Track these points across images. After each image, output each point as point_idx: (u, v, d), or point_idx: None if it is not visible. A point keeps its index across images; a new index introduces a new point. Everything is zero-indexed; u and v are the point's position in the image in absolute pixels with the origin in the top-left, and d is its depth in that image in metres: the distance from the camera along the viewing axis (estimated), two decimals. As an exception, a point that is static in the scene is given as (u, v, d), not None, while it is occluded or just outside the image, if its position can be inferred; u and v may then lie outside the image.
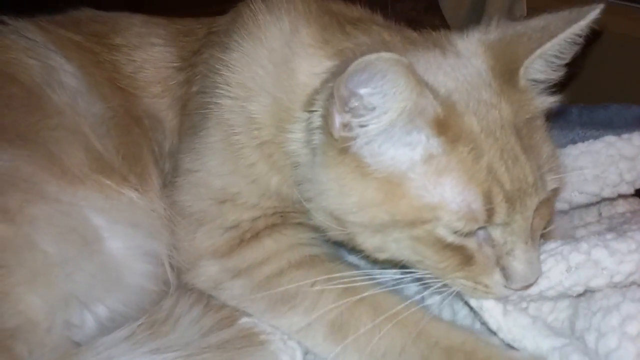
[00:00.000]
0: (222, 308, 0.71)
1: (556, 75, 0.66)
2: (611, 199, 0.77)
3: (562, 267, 0.61)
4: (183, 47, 0.82)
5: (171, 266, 0.72)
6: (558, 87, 0.67)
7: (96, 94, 0.75)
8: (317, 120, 0.62)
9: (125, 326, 0.63)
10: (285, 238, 0.72)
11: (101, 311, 0.66)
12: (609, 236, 0.63)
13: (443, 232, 0.58)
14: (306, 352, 0.70)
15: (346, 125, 0.57)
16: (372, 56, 0.51)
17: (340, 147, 0.58)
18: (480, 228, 0.59)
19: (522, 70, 0.63)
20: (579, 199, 0.75)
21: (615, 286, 0.62)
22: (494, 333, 0.63)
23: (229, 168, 0.71)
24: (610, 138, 0.75)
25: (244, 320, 0.70)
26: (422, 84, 0.54)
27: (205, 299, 0.71)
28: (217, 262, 0.72)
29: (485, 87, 0.61)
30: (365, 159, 0.58)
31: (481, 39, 0.65)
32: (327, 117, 0.59)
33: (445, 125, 0.57)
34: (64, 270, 0.62)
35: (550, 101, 0.67)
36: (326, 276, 0.67)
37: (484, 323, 0.64)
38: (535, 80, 0.65)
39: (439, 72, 0.61)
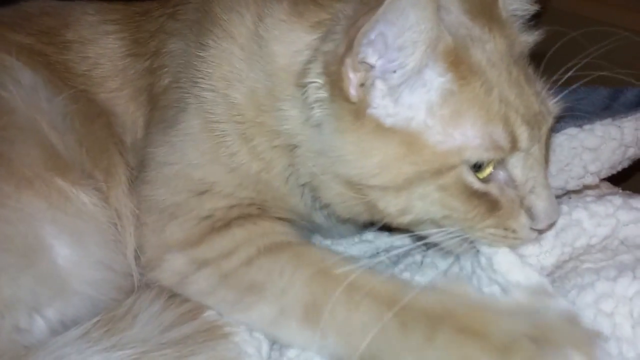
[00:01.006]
0: (185, 302, 0.68)
1: (531, 7, 0.67)
2: (577, 192, 0.77)
3: (552, 231, 0.62)
4: (138, 28, 0.79)
5: (129, 271, 0.70)
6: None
7: (55, 88, 0.72)
8: (314, 93, 0.60)
9: (80, 324, 0.61)
10: (257, 227, 0.69)
11: (51, 315, 0.63)
12: (588, 198, 0.65)
13: (469, 178, 0.57)
14: (273, 343, 0.69)
15: (364, 84, 0.56)
16: None
17: (356, 109, 0.57)
18: (500, 169, 0.58)
19: (500, 1, 0.63)
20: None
21: (590, 249, 0.63)
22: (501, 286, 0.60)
23: (209, 157, 0.69)
24: (572, 130, 0.75)
25: (208, 313, 0.68)
26: (438, 14, 0.54)
27: (167, 294, 0.69)
28: (184, 254, 0.68)
29: (474, 27, 0.61)
30: (383, 115, 0.57)
31: None
32: (335, 83, 0.57)
33: (457, 59, 0.57)
34: (8, 274, 0.60)
35: (532, 38, 0.67)
36: (296, 258, 0.64)
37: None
38: (514, 14, 0.66)
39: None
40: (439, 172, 0.57)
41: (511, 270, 0.60)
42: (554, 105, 0.63)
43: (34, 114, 0.69)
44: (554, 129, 0.73)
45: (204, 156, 0.69)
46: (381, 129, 0.57)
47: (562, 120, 0.74)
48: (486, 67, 0.58)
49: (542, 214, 0.59)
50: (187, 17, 0.75)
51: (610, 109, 0.80)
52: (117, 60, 0.78)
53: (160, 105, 0.75)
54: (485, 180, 0.58)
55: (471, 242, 0.63)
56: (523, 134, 0.58)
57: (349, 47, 0.54)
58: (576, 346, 0.53)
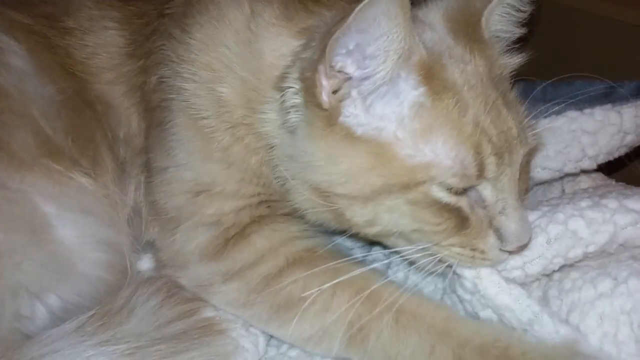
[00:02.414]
0: (185, 301, 0.68)
1: (517, 30, 0.66)
2: (574, 175, 0.76)
3: (542, 239, 0.61)
4: (136, 30, 0.78)
5: (131, 254, 0.70)
6: (520, 45, 0.67)
7: (46, 77, 0.72)
8: (291, 98, 0.60)
9: (75, 317, 0.60)
10: (276, 234, 0.68)
11: (53, 301, 0.64)
12: (583, 204, 0.63)
13: (438, 192, 0.57)
14: (270, 338, 0.69)
15: (336, 91, 0.56)
16: None
17: (328, 116, 0.57)
18: (471, 188, 0.58)
19: (483, 21, 0.63)
20: (542, 174, 0.75)
21: (587, 256, 0.61)
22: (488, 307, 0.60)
23: (198, 156, 0.68)
24: (572, 113, 0.74)
25: (206, 310, 0.67)
26: (412, 25, 0.54)
27: (166, 289, 0.68)
28: (206, 265, 0.68)
29: (456, 46, 0.60)
30: (354, 124, 0.57)
31: (438, 4, 0.65)
32: (310, 89, 0.57)
33: (431, 73, 0.56)
34: (11, 260, 0.60)
35: (516, 60, 0.66)
36: (333, 273, 0.62)
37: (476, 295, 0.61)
38: (497, 36, 0.65)
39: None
40: (407, 187, 0.57)
41: (498, 294, 0.59)
42: (531, 136, 0.62)
43: (25, 100, 0.69)
44: (557, 112, 0.72)
45: (195, 155, 0.68)
46: (351, 137, 0.57)
47: (563, 104, 0.73)
48: (463, 88, 0.57)
49: (511, 235, 0.58)
50: (175, 11, 0.74)
51: (608, 98, 0.79)
52: (114, 54, 0.78)
53: (153, 106, 0.74)
54: (456, 193, 0.57)
55: (448, 264, 0.61)
56: (491, 164, 0.57)
57: (322, 53, 0.54)
58: None
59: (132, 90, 0.77)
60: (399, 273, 0.69)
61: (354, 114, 0.57)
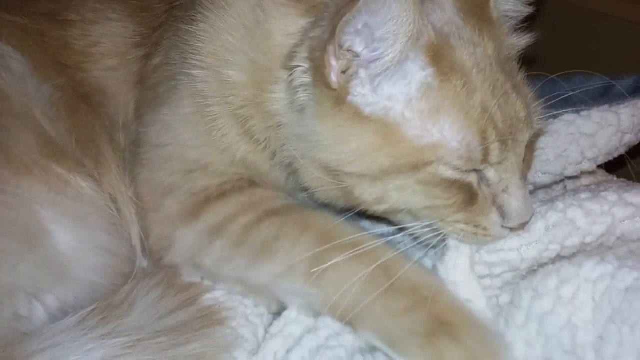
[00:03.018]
0: (183, 290, 0.68)
1: (525, 9, 0.66)
2: (574, 177, 0.77)
3: (541, 225, 0.62)
4: (141, 22, 0.79)
5: (128, 259, 0.70)
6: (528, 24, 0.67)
7: (42, 76, 0.72)
8: (300, 77, 0.60)
9: (76, 312, 0.61)
10: (256, 192, 0.71)
11: (50, 302, 0.64)
12: (583, 196, 0.64)
13: (446, 172, 0.58)
14: (269, 327, 0.69)
15: (345, 72, 0.56)
16: None
17: (337, 95, 0.57)
18: (474, 169, 0.59)
19: (492, 1, 0.63)
20: (543, 179, 0.75)
21: (586, 247, 0.62)
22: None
23: (204, 140, 0.70)
24: (570, 116, 0.74)
25: (205, 297, 0.68)
26: (421, 7, 0.54)
27: (166, 281, 0.69)
28: (190, 227, 0.69)
29: (465, 27, 0.60)
30: (363, 104, 0.57)
31: None
32: (318, 69, 0.57)
33: (439, 55, 0.57)
34: (7, 262, 0.60)
35: (524, 40, 0.67)
36: (303, 220, 0.66)
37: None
38: (506, 15, 0.65)
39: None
40: (415, 167, 0.57)
41: (460, 285, 0.61)
42: (537, 120, 0.63)
43: (26, 102, 0.69)
44: (554, 115, 0.73)
45: (199, 138, 0.70)
46: (359, 117, 0.58)
47: (559, 107, 0.74)
48: (471, 70, 0.58)
49: (514, 212, 0.59)
50: (183, 2, 0.75)
51: (606, 96, 0.79)
52: (119, 43, 0.78)
53: (151, 83, 0.75)
54: (465, 171, 0.58)
55: (443, 237, 0.63)
56: (495, 150, 0.58)
57: (332, 34, 0.55)
58: None
59: (131, 75, 0.77)
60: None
61: (362, 93, 0.58)
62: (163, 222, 0.71)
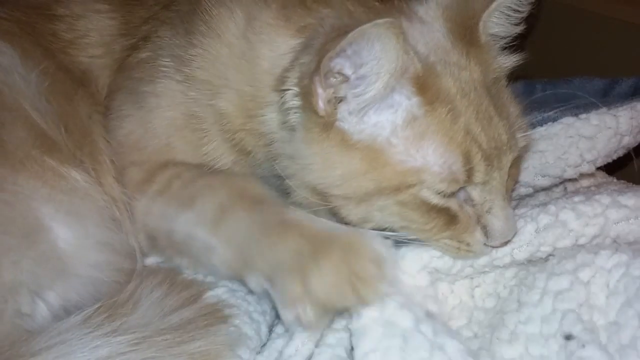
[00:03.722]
0: (187, 287, 0.69)
1: (515, 29, 0.67)
2: (573, 180, 0.78)
3: (532, 227, 0.63)
4: (130, 12, 0.80)
5: (130, 253, 0.71)
6: (518, 47, 0.68)
7: (29, 61, 0.72)
8: (291, 100, 0.61)
9: (82, 310, 0.61)
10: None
11: (53, 299, 0.64)
12: (576, 199, 0.65)
13: (427, 195, 0.59)
14: (272, 325, 0.70)
15: (331, 101, 0.57)
16: (367, 25, 0.51)
17: (324, 122, 0.58)
18: (460, 189, 0.60)
19: (481, 25, 0.64)
20: (542, 182, 0.76)
21: (580, 248, 0.62)
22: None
23: (190, 149, 0.72)
24: (568, 119, 0.75)
25: (208, 295, 0.69)
26: (407, 42, 0.55)
27: (170, 279, 0.69)
28: (144, 193, 0.72)
29: (453, 50, 0.62)
30: (349, 130, 0.59)
31: (438, 1, 0.66)
32: (307, 96, 0.58)
33: (425, 85, 0.58)
34: (8, 259, 0.60)
35: (513, 60, 0.68)
36: (227, 178, 0.69)
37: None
38: (495, 36, 0.66)
39: (408, 38, 0.60)
40: (397, 189, 0.59)
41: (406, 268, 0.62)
42: (521, 137, 0.64)
43: (15, 95, 0.69)
44: (553, 118, 0.74)
45: (186, 147, 0.72)
46: (346, 143, 0.59)
47: (558, 110, 0.75)
48: (456, 95, 0.59)
49: (497, 232, 0.61)
50: (180, 9, 0.76)
51: (606, 98, 0.80)
52: (106, 35, 0.79)
53: (133, 76, 0.75)
54: (445, 195, 0.59)
55: None
56: (480, 170, 0.59)
57: (317, 67, 0.56)
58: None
59: (114, 62, 0.79)
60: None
61: (349, 122, 0.59)
62: (127, 186, 0.73)
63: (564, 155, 0.74)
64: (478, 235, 0.62)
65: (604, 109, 0.75)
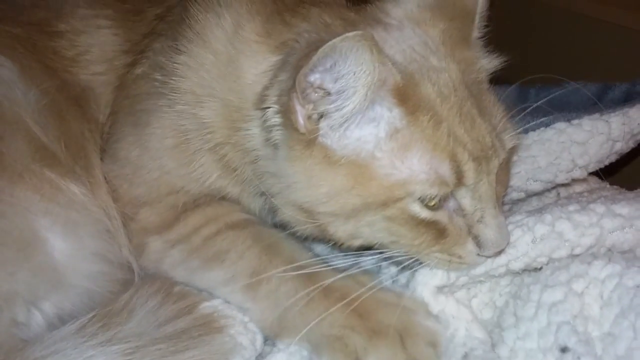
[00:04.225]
0: (182, 298, 0.69)
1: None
2: (566, 185, 0.78)
3: (528, 238, 0.62)
4: (132, 28, 0.79)
5: (124, 264, 0.72)
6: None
7: (30, 81, 0.72)
8: (272, 117, 0.61)
9: (76, 319, 0.61)
10: (222, 205, 0.74)
11: (48, 309, 0.64)
12: (571, 208, 0.64)
13: (416, 208, 0.58)
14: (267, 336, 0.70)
15: (311, 117, 0.57)
16: (337, 40, 0.51)
17: (306, 139, 0.58)
18: (449, 198, 0.59)
19: (477, 19, 0.63)
20: (534, 186, 0.76)
21: (575, 258, 0.62)
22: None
23: (185, 170, 0.72)
24: (561, 125, 0.75)
25: (204, 305, 0.69)
26: (382, 54, 0.54)
27: (165, 289, 0.70)
28: (161, 236, 0.73)
29: (432, 54, 0.61)
30: (332, 146, 0.58)
31: (421, 4, 0.65)
32: (287, 113, 0.58)
33: (405, 95, 0.57)
34: (5, 269, 0.61)
35: (495, 62, 0.67)
36: (255, 236, 0.70)
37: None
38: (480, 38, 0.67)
39: (385, 48, 0.60)
40: (384, 204, 0.58)
41: (430, 303, 0.63)
42: (509, 138, 0.63)
43: (16, 108, 0.69)
44: (546, 124, 0.74)
45: (181, 169, 0.72)
46: (330, 160, 0.58)
47: (551, 116, 0.75)
48: (436, 101, 0.58)
49: (489, 242, 0.60)
50: (173, 19, 0.76)
51: (599, 103, 0.81)
52: (108, 51, 0.79)
53: (130, 93, 0.76)
54: (434, 208, 0.59)
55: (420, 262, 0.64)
56: (469, 170, 0.58)
57: (294, 83, 0.55)
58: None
59: (116, 79, 0.79)
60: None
61: (331, 137, 0.58)
62: (140, 231, 0.74)
63: (556, 161, 0.74)
64: (470, 246, 0.61)
65: (597, 115, 0.75)
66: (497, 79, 0.69)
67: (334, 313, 0.62)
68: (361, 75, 0.53)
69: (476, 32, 0.65)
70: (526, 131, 0.75)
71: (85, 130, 0.75)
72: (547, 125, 0.75)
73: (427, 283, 0.64)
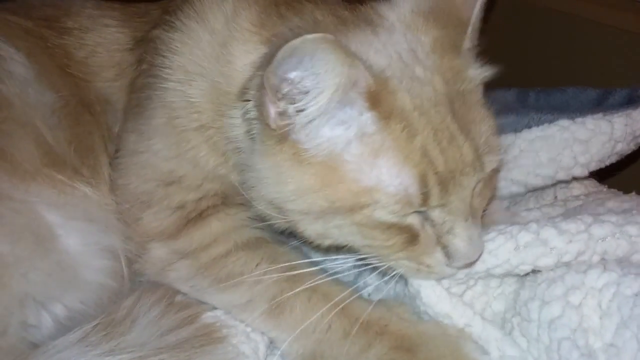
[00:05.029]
0: (185, 308, 0.70)
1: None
2: (566, 182, 0.78)
3: (511, 245, 0.61)
4: (137, 28, 0.80)
5: (127, 260, 0.72)
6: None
7: (45, 83, 0.73)
8: (252, 110, 0.61)
9: (79, 327, 0.62)
10: (230, 218, 0.73)
11: (59, 310, 0.65)
12: (558, 218, 0.63)
13: (382, 215, 0.57)
14: (269, 344, 0.70)
15: (282, 114, 0.56)
16: (297, 41, 0.50)
17: (278, 135, 0.57)
18: (417, 210, 0.58)
19: (469, 29, 0.62)
20: (535, 181, 0.76)
21: (563, 265, 0.61)
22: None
23: (175, 152, 0.71)
24: (564, 122, 0.75)
25: (206, 315, 0.70)
26: (352, 56, 0.53)
27: (168, 298, 0.70)
28: (165, 244, 0.72)
29: (418, 63, 0.60)
30: (302, 144, 0.57)
31: (415, 9, 0.64)
32: (261, 108, 0.58)
33: (378, 99, 0.56)
34: (18, 270, 0.61)
35: (485, 73, 0.65)
36: (271, 260, 0.69)
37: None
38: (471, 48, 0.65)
39: (370, 50, 0.59)
40: (351, 210, 0.57)
41: (439, 303, 0.62)
42: (490, 162, 0.60)
43: (27, 109, 0.70)
44: (549, 120, 0.74)
45: (170, 150, 0.70)
46: (299, 158, 0.57)
47: (554, 114, 0.75)
48: (413, 112, 0.57)
49: (458, 253, 0.59)
50: (174, 8, 0.75)
51: (600, 107, 0.80)
52: (114, 52, 0.79)
53: (135, 88, 0.76)
54: (404, 215, 0.58)
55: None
56: (434, 194, 0.57)
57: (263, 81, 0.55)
58: None
59: (128, 83, 0.78)
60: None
61: (301, 136, 0.57)
62: (140, 233, 0.73)
63: (557, 157, 0.74)
64: (438, 256, 0.60)
65: (600, 114, 0.75)
66: (496, 83, 0.68)
67: (376, 346, 0.62)
68: (326, 77, 0.53)
69: (468, 42, 0.63)
70: (530, 126, 0.75)
71: (95, 134, 0.75)
72: (550, 121, 0.75)
73: (438, 295, 0.63)
